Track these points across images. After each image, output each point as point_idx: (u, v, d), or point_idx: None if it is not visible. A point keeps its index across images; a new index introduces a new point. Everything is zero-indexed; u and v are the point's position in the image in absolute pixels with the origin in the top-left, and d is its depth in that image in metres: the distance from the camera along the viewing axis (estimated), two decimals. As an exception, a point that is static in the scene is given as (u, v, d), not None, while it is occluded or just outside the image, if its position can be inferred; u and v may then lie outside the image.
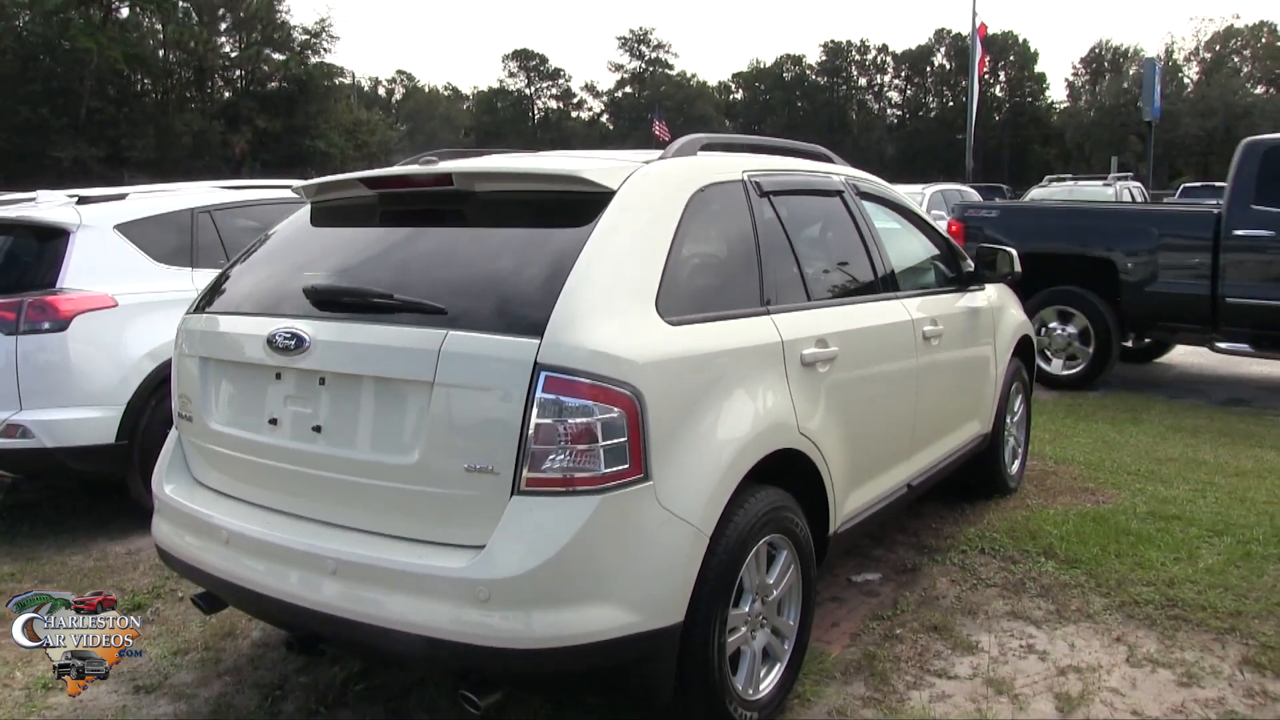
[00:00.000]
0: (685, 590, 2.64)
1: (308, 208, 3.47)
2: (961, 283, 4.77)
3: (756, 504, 2.89)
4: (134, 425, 4.95)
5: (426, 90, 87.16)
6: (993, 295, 5.09)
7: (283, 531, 2.81)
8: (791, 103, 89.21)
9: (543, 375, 2.44)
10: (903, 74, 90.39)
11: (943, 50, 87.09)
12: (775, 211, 3.45)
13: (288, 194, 6.14)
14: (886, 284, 4.06)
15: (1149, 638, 3.70)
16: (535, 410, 2.44)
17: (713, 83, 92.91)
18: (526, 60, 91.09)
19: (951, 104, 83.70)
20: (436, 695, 3.31)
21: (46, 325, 4.76)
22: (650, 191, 2.93)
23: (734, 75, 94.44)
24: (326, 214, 3.39)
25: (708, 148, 3.44)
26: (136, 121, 44.44)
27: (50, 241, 5.01)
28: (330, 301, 2.86)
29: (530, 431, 2.44)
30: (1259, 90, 72.36)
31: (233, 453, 3.03)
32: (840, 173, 4.18)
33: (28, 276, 4.96)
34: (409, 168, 3.23)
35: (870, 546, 4.59)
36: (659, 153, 3.27)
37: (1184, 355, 10.29)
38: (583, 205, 2.81)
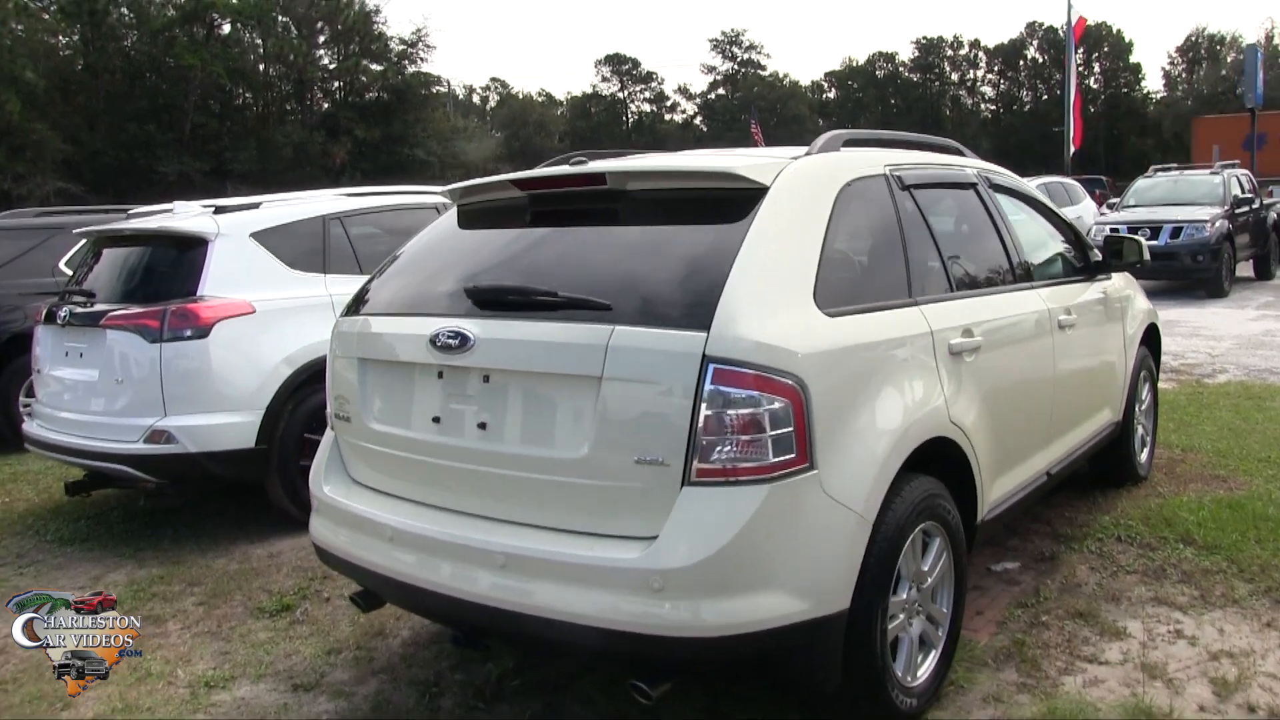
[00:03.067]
0: (850, 577, 2.68)
1: (453, 211, 3.57)
2: (1090, 272, 4.73)
3: (912, 492, 2.92)
4: (272, 430, 5.11)
5: (520, 97, 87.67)
6: (1120, 284, 5.04)
7: (449, 527, 2.88)
8: (885, 100, 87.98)
9: (711, 368, 2.49)
10: (995, 68, 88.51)
11: (1035, 43, 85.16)
12: (916, 204, 3.47)
13: (413, 199, 6.31)
14: (1022, 274, 4.06)
15: (1308, 622, 3.63)
16: (704, 402, 2.49)
17: (805, 82, 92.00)
18: (619, 64, 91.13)
19: (1046, 97, 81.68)
20: (593, 690, 3.37)
21: (189, 332, 4.96)
22: (801, 187, 2.97)
23: (826, 74, 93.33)
24: (474, 216, 3.49)
25: (850, 143, 3.46)
26: (238, 135, 45.50)
27: (189, 251, 5.21)
28: (493, 301, 2.94)
29: (700, 423, 2.49)
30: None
31: (395, 451, 3.12)
32: (973, 165, 4.18)
33: (169, 285, 5.17)
34: (560, 169, 3.31)
35: (1006, 536, 4.56)
36: (803, 149, 3.30)
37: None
38: (737, 201, 2.86)
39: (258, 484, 5.30)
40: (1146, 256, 4.83)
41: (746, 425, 2.49)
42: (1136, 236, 4.92)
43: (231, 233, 5.26)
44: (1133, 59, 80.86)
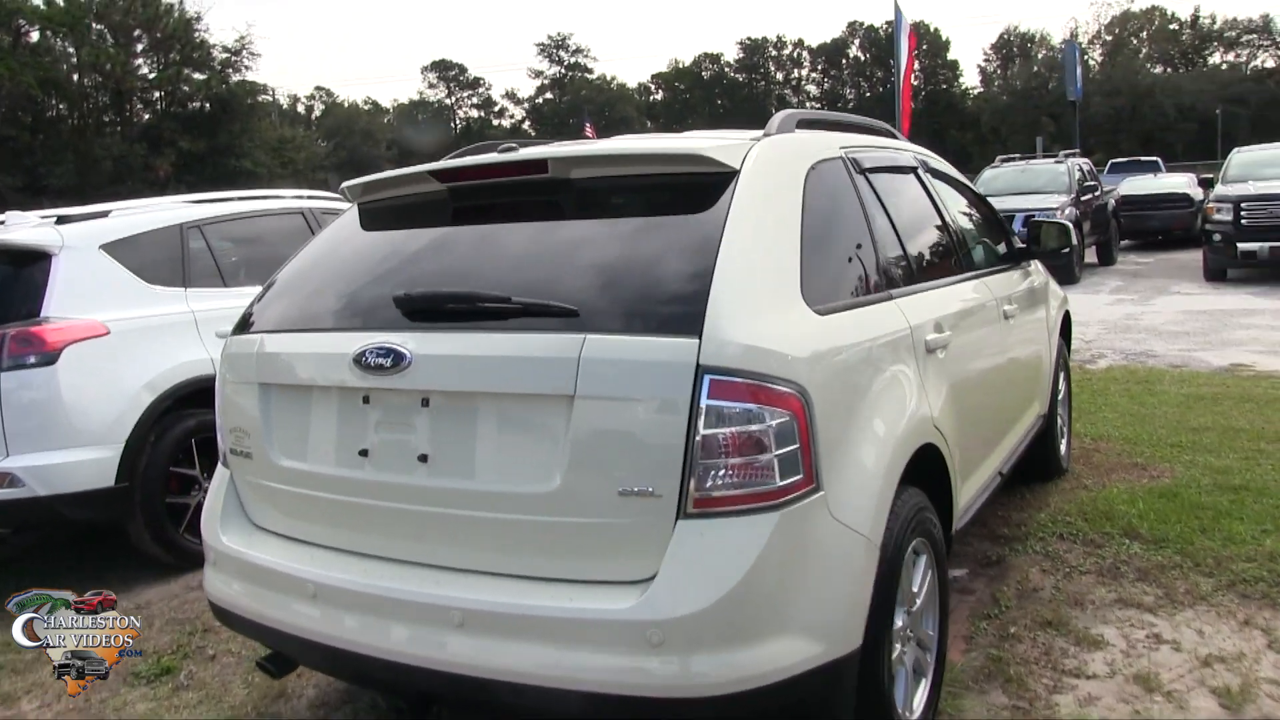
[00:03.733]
0: (862, 611, 2.36)
1: (353, 212, 3.11)
2: (1015, 259, 4.57)
3: (903, 507, 2.61)
4: (134, 465, 4.49)
5: (346, 105, 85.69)
6: (1040, 270, 4.91)
7: (387, 579, 2.42)
8: (712, 100, 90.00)
9: (706, 379, 2.12)
10: (819, 67, 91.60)
11: (857, 42, 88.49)
12: (874, 190, 3.19)
13: (277, 204, 5.73)
14: (966, 263, 3.86)
15: (1277, 618, 3.51)
16: (701, 419, 2.12)
17: (633, 84, 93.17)
18: (445, 70, 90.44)
19: (869, 94, 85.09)
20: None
21: (32, 359, 4.29)
22: (771, 170, 2.62)
23: (654, 76, 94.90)
24: (380, 216, 3.04)
25: (802, 124, 3.15)
26: (54, 148, 43.09)
27: (29, 267, 4.52)
28: (429, 310, 2.49)
29: (696, 444, 2.12)
30: (1158, 70, 74.89)
31: (312, 492, 2.64)
32: (909, 149, 3.94)
33: (6, 307, 4.46)
34: (488, 157, 2.86)
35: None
36: (750, 131, 2.97)
37: (1164, 319, 10.33)
38: (704, 187, 2.50)
39: (118, 526, 4.65)
40: (1073, 241, 4.71)
41: (749, 445, 2.13)
42: (1063, 220, 4.79)
43: (78, 245, 4.59)
44: (950, 56, 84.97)
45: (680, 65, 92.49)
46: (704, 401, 2.11)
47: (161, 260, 4.88)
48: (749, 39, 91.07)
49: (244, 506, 2.86)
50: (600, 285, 2.39)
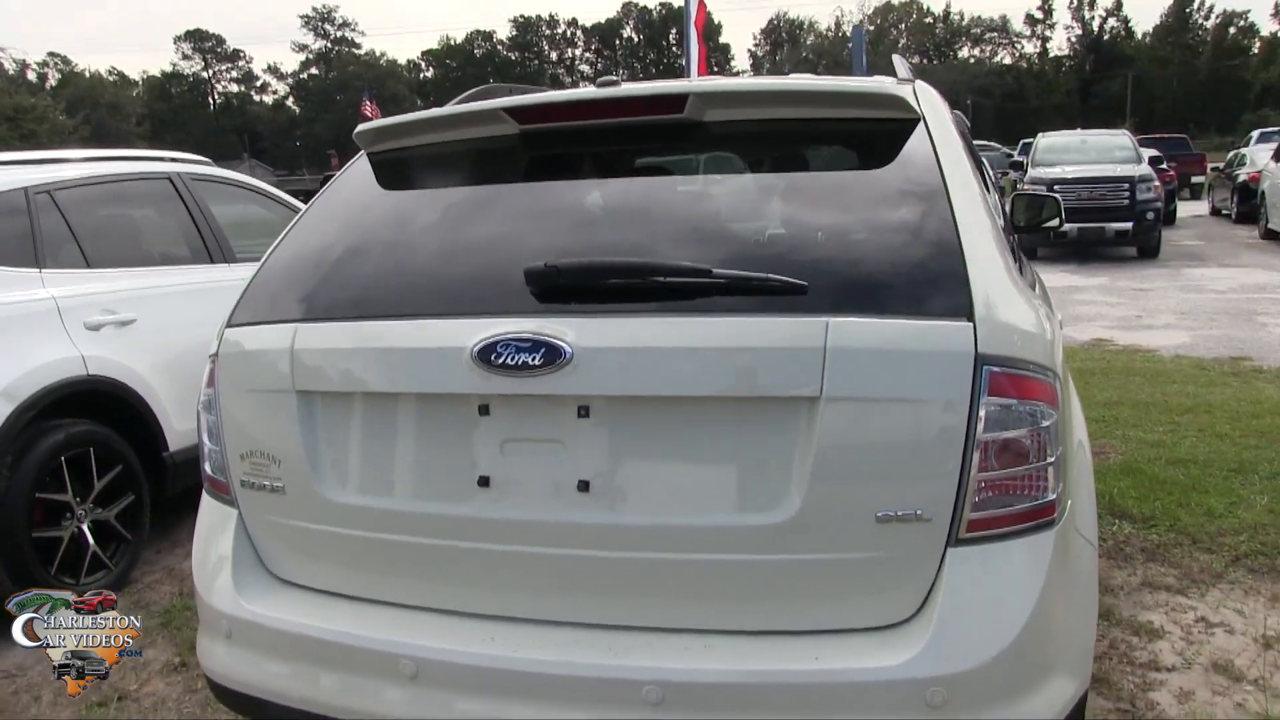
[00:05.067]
0: (1094, 634, 2.03)
1: (362, 169, 2.45)
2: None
3: None
4: (-11, 494, 3.59)
5: (89, 75, 78.29)
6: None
7: (533, 650, 1.83)
8: (484, 79, 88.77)
9: (986, 371, 1.69)
10: (593, 47, 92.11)
11: (631, 23, 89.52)
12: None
13: (139, 167, 4.78)
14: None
15: (1299, 591, 3.49)
16: (982, 421, 1.69)
17: (403, 61, 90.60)
18: (201, 41, 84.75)
19: (642, 75, 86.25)
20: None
21: None
22: (942, 118, 2.18)
23: (424, 53, 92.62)
24: (419, 167, 2.44)
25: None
26: None
27: None
28: (585, 289, 1.87)
29: (976, 452, 1.70)
30: (915, 60, 79.90)
31: (394, 536, 1.99)
32: None
33: None
34: (591, 92, 2.20)
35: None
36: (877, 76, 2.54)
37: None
38: (890, 135, 2.07)
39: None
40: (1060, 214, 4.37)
41: (1026, 450, 1.73)
42: (1054, 195, 4.51)
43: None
44: (722, 40, 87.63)
45: (452, 42, 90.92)
46: (985, 399, 1.69)
47: (5, 234, 3.93)
48: (522, 17, 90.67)
49: (261, 557, 2.18)
50: (808, 258, 1.88)
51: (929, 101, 2.19)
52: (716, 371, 1.75)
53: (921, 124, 2.08)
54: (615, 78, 2.27)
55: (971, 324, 1.70)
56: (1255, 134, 24.11)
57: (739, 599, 1.80)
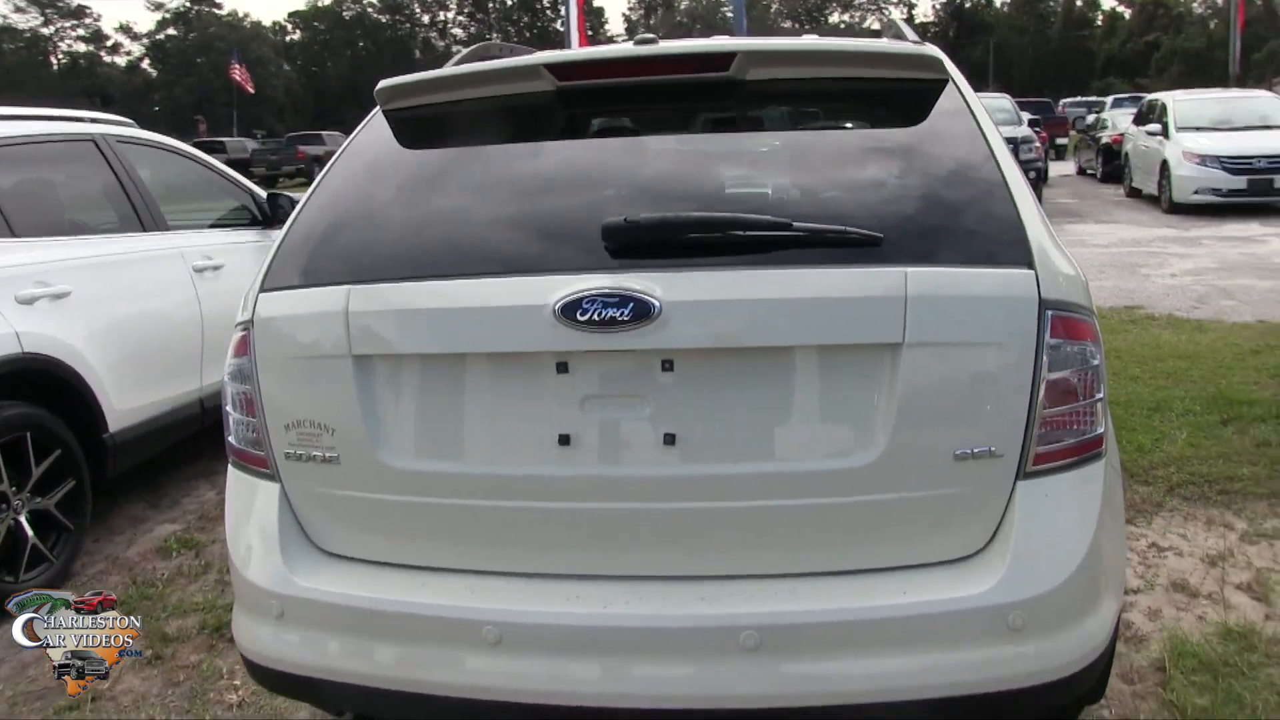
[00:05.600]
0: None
1: (377, 122, 2.38)
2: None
3: None
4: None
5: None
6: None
7: (625, 605, 1.84)
8: (353, 42, 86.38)
9: (1049, 315, 1.81)
10: (466, 10, 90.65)
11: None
12: None
13: (60, 128, 4.49)
14: None
15: (1230, 515, 3.79)
16: (1046, 362, 1.81)
17: (268, 23, 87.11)
18: (38, -7, 79.01)
19: (516, 39, 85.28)
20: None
21: None
22: (961, 77, 2.28)
23: (290, 14, 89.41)
24: (436, 125, 2.40)
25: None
26: None
27: None
28: (663, 244, 1.88)
29: (1042, 391, 1.82)
30: (787, 24, 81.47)
31: (467, 500, 1.95)
32: None
33: None
34: (633, 48, 2.21)
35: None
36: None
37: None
38: (926, 94, 2.16)
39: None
40: None
41: (1083, 387, 1.87)
42: None
43: None
44: (596, 3, 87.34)
45: (319, 4, 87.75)
46: (1048, 340, 1.81)
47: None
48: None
49: (306, 531, 2.10)
50: (874, 212, 1.94)
51: (950, 64, 2.29)
52: (802, 322, 1.80)
53: (952, 84, 2.18)
54: (652, 35, 2.31)
55: (1033, 271, 1.82)
56: (1109, 99, 25.38)
57: (824, 543, 1.87)
